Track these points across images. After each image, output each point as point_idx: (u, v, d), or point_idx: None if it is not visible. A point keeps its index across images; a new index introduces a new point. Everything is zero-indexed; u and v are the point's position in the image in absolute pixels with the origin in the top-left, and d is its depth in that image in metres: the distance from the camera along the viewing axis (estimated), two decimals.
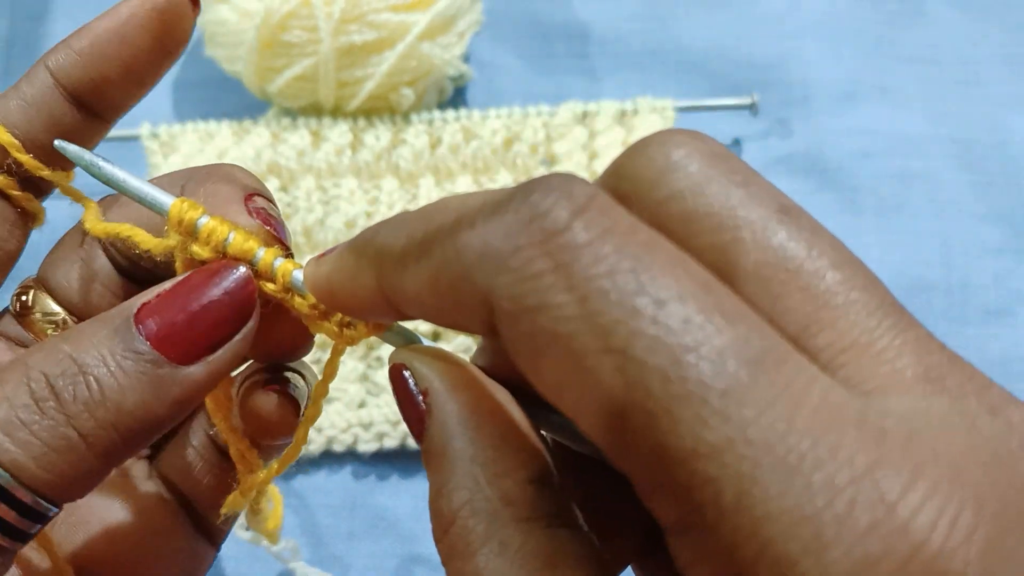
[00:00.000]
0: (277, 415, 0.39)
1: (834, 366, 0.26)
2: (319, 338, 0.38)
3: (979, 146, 0.82)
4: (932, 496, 0.22)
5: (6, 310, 0.42)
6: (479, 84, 0.86)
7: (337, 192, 0.79)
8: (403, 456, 0.74)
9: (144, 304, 0.35)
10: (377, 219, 0.78)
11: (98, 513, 0.43)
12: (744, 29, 0.87)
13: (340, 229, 0.77)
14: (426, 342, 0.36)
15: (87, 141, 0.40)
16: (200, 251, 0.36)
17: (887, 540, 0.21)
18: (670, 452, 0.23)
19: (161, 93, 0.86)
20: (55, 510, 0.34)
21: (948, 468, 0.23)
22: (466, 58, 0.86)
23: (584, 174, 0.76)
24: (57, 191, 0.41)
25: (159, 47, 0.40)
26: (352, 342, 0.36)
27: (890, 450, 0.23)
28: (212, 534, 0.45)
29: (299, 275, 0.35)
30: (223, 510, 0.41)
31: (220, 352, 0.35)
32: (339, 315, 0.36)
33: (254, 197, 0.38)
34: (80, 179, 0.41)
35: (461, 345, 0.73)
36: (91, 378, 0.33)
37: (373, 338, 0.35)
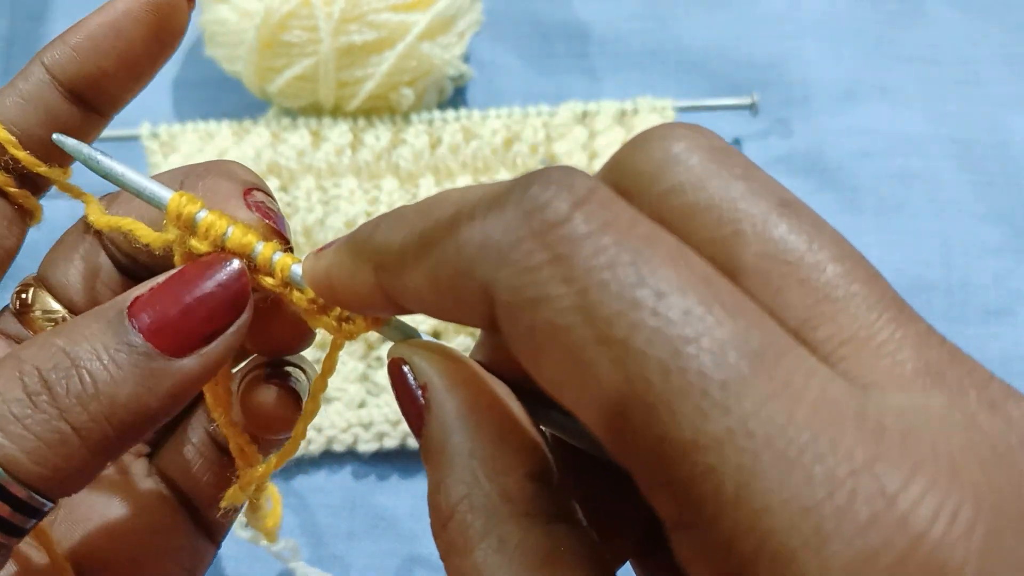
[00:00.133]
0: (278, 409, 0.39)
1: (834, 359, 0.26)
2: (318, 339, 0.38)
3: (979, 146, 0.82)
4: (931, 490, 0.22)
5: (6, 308, 0.42)
6: (479, 84, 0.86)
7: (337, 192, 0.79)
8: (403, 456, 0.74)
9: (137, 298, 0.35)
10: None
11: (98, 511, 0.43)
12: (744, 29, 0.87)
13: (340, 229, 0.77)
14: (426, 337, 0.36)
15: (84, 136, 0.40)
16: (199, 245, 0.36)
17: (887, 532, 0.21)
18: (670, 444, 0.23)
19: (161, 93, 0.87)
20: (50, 505, 0.34)
21: (947, 463, 0.23)
22: (466, 58, 0.86)
23: None
24: (54, 188, 0.41)
25: (154, 40, 0.40)
26: (351, 337, 0.36)
27: (889, 444, 0.23)
28: (212, 531, 0.45)
29: (298, 269, 0.35)
30: (222, 503, 0.41)
31: (214, 345, 0.35)
32: (338, 310, 0.36)
33: (253, 191, 0.38)
34: (77, 176, 0.41)
35: (461, 345, 0.73)
36: (84, 371, 0.33)
37: (373, 338, 0.35)
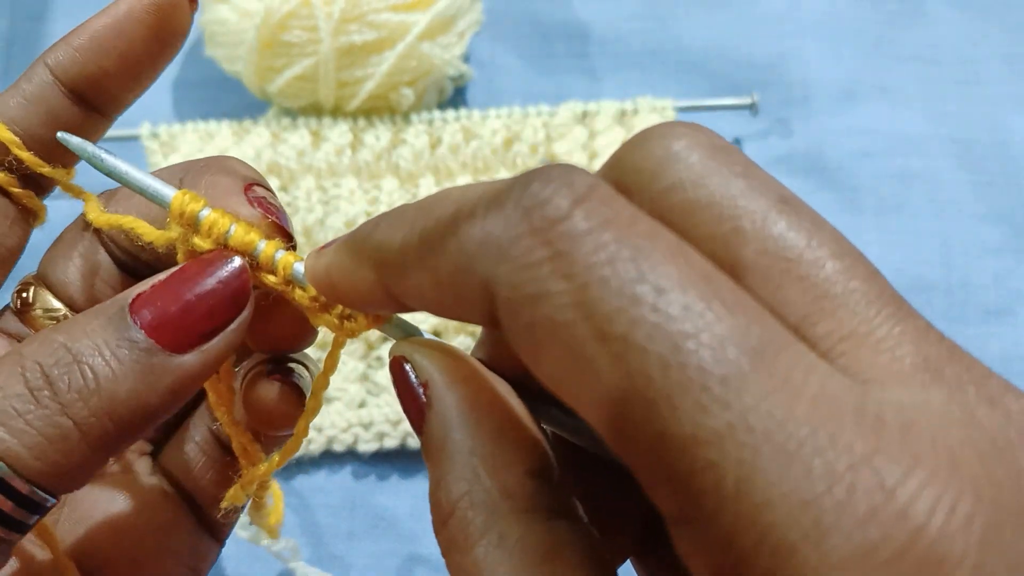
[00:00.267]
0: (280, 404, 0.39)
1: (833, 355, 0.26)
2: (320, 338, 0.38)
3: (979, 146, 0.82)
4: (930, 483, 0.22)
5: (7, 307, 0.42)
6: (479, 84, 0.86)
7: (337, 192, 0.79)
8: (403, 456, 0.74)
9: (139, 294, 0.35)
10: None
11: (101, 508, 0.43)
12: (744, 29, 0.87)
13: (340, 229, 0.77)
14: (427, 335, 0.36)
15: (88, 137, 0.40)
16: (202, 243, 0.36)
17: (886, 526, 0.21)
18: (671, 439, 0.23)
19: (161, 93, 0.87)
20: (52, 501, 0.34)
21: (946, 457, 0.23)
22: (466, 58, 0.86)
23: None
24: (58, 189, 0.41)
25: (156, 41, 0.40)
26: (352, 334, 0.36)
27: (888, 439, 0.23)
28: (216, 530, 0.45)
29: (300, 267, 0.36)
30: (224, 503, 0.41)
31: (214, 341, 0.35)
32: (339, 307, 0.36)
33: (254, 187, 0.38)
34: (80, 177, 0.41)
35: (462, 344, 0.73)
36: (85, 367, 0.33)
37: (373, 338, 0.35)
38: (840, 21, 0.87)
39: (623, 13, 0.89)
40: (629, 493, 0.34)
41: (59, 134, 0.39)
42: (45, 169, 0.40)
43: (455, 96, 0.85)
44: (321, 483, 0.73)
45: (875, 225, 0.80)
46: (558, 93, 0.84)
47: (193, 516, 0.44)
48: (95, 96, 0.40)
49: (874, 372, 0.25)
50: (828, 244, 0.27)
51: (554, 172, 0.26)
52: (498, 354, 0.34)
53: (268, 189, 0.39)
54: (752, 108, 0.81)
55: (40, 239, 0.43)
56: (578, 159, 0.79)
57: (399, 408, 0.33)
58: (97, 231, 0.41)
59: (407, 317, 0.36)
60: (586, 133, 0.80)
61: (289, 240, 0.37)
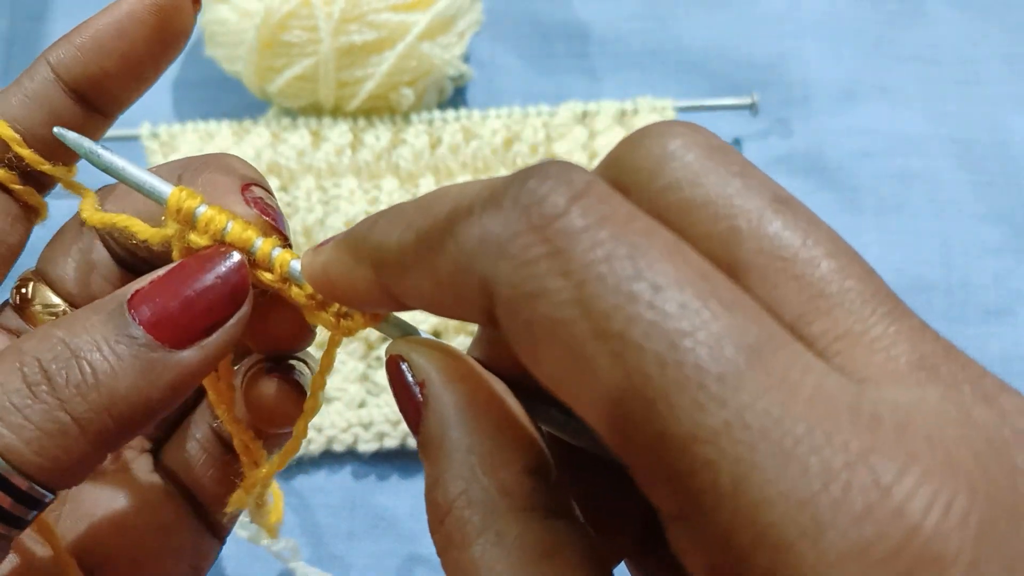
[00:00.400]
0: (282, 400, 0.39)
1: (829, 354, 0.26)
2: (318, 338, 0.38)
3: (979, 146, 0.82)
4: (926, 481, 0.22)
5: (6, 303, 0.42)
6: (479, 84, 0.86)
7: (337, 192, 0.79)
8: (403, 456, 0.74)
9: (137, 291, 0.35)
10: None
11: (102, 505, 0.43)
12: (744, 29, 0.87)
13: (340, 229, 0.77)
14: (424, 334, 0.36)
15: (88, 135, 0.40)
16: (198, 240, 0.36)
17: (882, 523, 0.21)
18: (668, 437, 0.23)
19: (161, 93, 0.87)
20: (51, 496, 0.34)
21: (942, 455, 0.23)
22: (466, 58, 0.86)
23: None
24: (59, 186, 0.41)
25: (158, 41, 0.40)
26: (349, 333, 0.36)
27: (884, 437, 0.23)
28: (216, 527, 0.45)
29: (296, 265, 0.36)
30: (227, 509, 0.42)
31: (214, 337, 0.35)
32: (336, 305, 0.36)
33: (251, 187, 0.38)
34: (82, 175, 0.41)
35: (461, 344, 0.73)
36: (84, 362, 0.33)
37: (373, 338, 0.35)
38: (840, 21, 0.87)
39: (623, 13, 0.89)
40: (627, 493, 0.34)
41: (55, 129, 0.39)
42: (46, 167, 0.40)
43: (455, 96, 0.85)
44: (321, 483, 0.73)
45: (875, 225, 0.80)
46: (558, 93, 0.84)
47: (194, 514, 0.44)
48: (96, 95, 0.40)
49: (870, 371, 0.25)
50: (824, 243, 0.27)
51: (551, 169, 0.26)
52: (495, 353, 0.34)
53: (267, 189, 0.39)
54: (752, 108, 0.81)
55: (44, 238, 0.43)
56: (578, 159, 0.79)
57: (397, 405, 0.33)
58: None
59: (404, 316, 0.36)
60: (586, 133, 0.80)
61: (284, 241, 0.37)
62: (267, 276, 0.36)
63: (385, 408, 0.73)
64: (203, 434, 0.44)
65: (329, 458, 0.74)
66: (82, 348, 0.34)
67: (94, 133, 0.41)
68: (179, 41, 0.40)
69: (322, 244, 0.34)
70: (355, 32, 0.76)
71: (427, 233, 0.28)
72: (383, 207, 0.78)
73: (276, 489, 0.52)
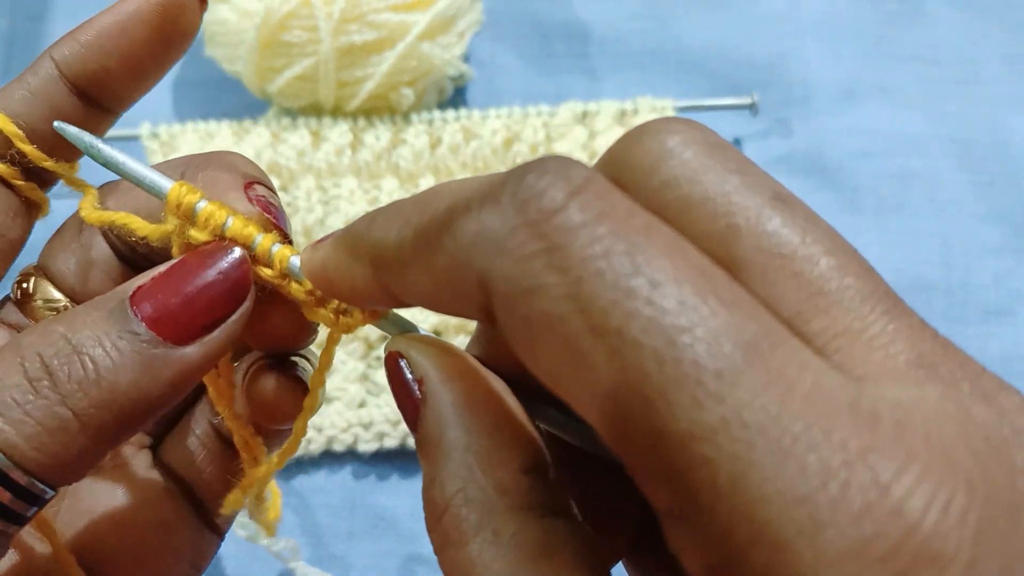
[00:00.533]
0: (284, 396, 0.39)
1: (827, 351, 0.26)
2: (319, 338, 0.38)
3: (979, 146, 0.82)
4: (925, 479, 0.22)
5: (7, 298, 0.42)
6: (479, 84, 0.86)
7: (337, 192, 0.79)
8: (403, 456, 0.74)
9: (139, 287, 0.35)
10: None
11: (101, 502, 0.43)
12: (744, 29, 0.87)
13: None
14: (423, 331, 0.36)
15: (90, 132, 0.40)
16: (198, 235, 0.36)
17: (880, 522, 0.21)
18: (665, 434, 0.23)
19: (161, 93, 0.86)
20: (51, 493, 0.34)
21: (940, 453, 0.23)
22: (466, 58, 0.86)
23: None
24: (62, 183, 0.41)
25: (162, 41, 0.40)
26: (348, 330, 0.36)
27: (883, 434, 0.23)
28: (215, 524, 0.45)
29: (296, 261, 0.36)
30: (223, 510, 0.42)
31: (215, 333, 0.35)
32: (335, 302, 0.36)
33: (254, 185, 0.38)
34: (83, 171, 0.41)
35: (461, 343, 0.73)
36: (86, 357, 0.33)
37: (373, 337, 0.35)
38: (840, 21, 0.87)
39: (623, 13, 0.89)
40: (626, 493, 0.33)
41: (56, 124, 0.39)
42: (48, 163, 0.40)
43: (455, 96, 0.85)
44: (321, 483, 0.73)
45: (875, 225, 0.80)
46: (558, 93, 0.84)
47: (193, 510, 0.44)
48: (98, 93, 0.40)
49: (868, 369, 0.25)
50: (822, 241, 0.27)
51: (550, 164, 0.26)
52: (493, 351, 0.34)
53: (269, 187, 0.39)
54: (752, 108, 0.81)
55: (42, 232, 0.43)
56: (578, 159, 0.78)
57: (395, 402, 0.33)
58: None
59: (404, 313, 0.36)
60: (586, 133, 0.80)
61: (285, 239, 0.37)
62: (267, 272, 0.36)
63: (385, 408, 0.73)
64: (203, 430, 0.44)
65: (329, 458, 0.74)
66: (84, 343, 0.34)
67: (96, 130, 0.41)
68: (183, 41, 0.40)
69: (321, 240, 0.34)
70: (355, 32, 0.76)
71: (425, 229, 0.28)
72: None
73: (274, 487, 0.52)
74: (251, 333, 0.38)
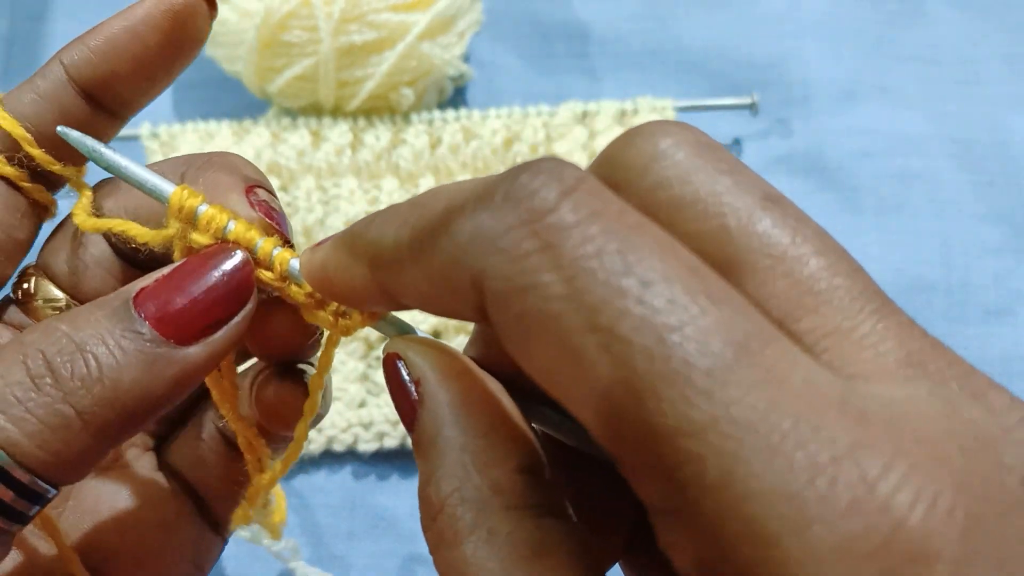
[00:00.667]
0: (291, 400, 0.39)
1: (817, 350, 0.26)
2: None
3: (979, 146, 0.82)
4: (912, 476, 0.22)
5: (8, 298, 0.42)
6: (479, 84, 0.86)
7: (337, 192, 0.79)
8: (403, 456, 0.74)
9: (142, 288, 0.35)
10: None
11: (106, 502, 0.43)
12: (744, 29, 0.87)
13: (340, 229, 0.77)
14: (421, 333, 0.36)
15: (98, 137, 0.40)
16: (199, 239, 0.36)
17: (868, 518, 0.22)
18: (655, 431, 0.23)
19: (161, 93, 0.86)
20: (53, 491, 0.34)
21: (929, 450, 0.23)
22: (466, 58, 0.86)
23: None
24: (68, 186, 0.42)
25: (170, 45, 0.40)
26: (347, 332, 0.36)
27: (871, 432, 0.23)
28: (219, 525, 0.46)
29: (296, 264, 0.36)
30: (231, 526, 0.42)
31: (219, 333, 0.35)
32: (335, 304, 0.36)
33: (255, 189, 0.38)
34: (91, 175, 0.41)
35: (461, 345, 0.73)
36: (89, 355, 0.33)
37: (373, 338, 0.35)
38: (840, 21, 0.87)
39: (623, 13, 0.89)
40: (621, 493, 0.34)
41: (59, 128, 0.39)
42: (56, 167, 0.40)
43: (455, 96, 0.85)
44: (321, 483, 0.73)
45: (875, 225, 0.80)
46: (558, 93, 0.84)
47: (197, 511, 0.45)
48: (107, 97, 0.40)
49: (858, 367, 0.25)
50: (812, 241, 0.27)
51: (544, 165, 0.26)
52: (490, 353, 0.34)
53: (270, 190, 0.39)
54: (752, 108, 0.81)
55: (43, 232, 0.43)
56: (578, 159, 0.79)
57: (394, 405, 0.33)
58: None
59: (403, 315, 0.36)
60: (586, 133, 0.80)
61: (286, 243, 0.37)
62: (267, 275, 0.36)
63: (385, 408, 0.73)
64: (207, 432, 0.44)
65: (329, 458, 0.74)
66: (87, 342, 0.34)
67: (104, 134, 0.41)
68: (193, 47, 0.41)
69: (320, 243, 0.35)
70: (355, 32, 0.76)
71: (422, 230, 0.28)
72: (383, 207, 0.78)
73: (279, 490, 0.53)
74: (253, 340, 0.38)
